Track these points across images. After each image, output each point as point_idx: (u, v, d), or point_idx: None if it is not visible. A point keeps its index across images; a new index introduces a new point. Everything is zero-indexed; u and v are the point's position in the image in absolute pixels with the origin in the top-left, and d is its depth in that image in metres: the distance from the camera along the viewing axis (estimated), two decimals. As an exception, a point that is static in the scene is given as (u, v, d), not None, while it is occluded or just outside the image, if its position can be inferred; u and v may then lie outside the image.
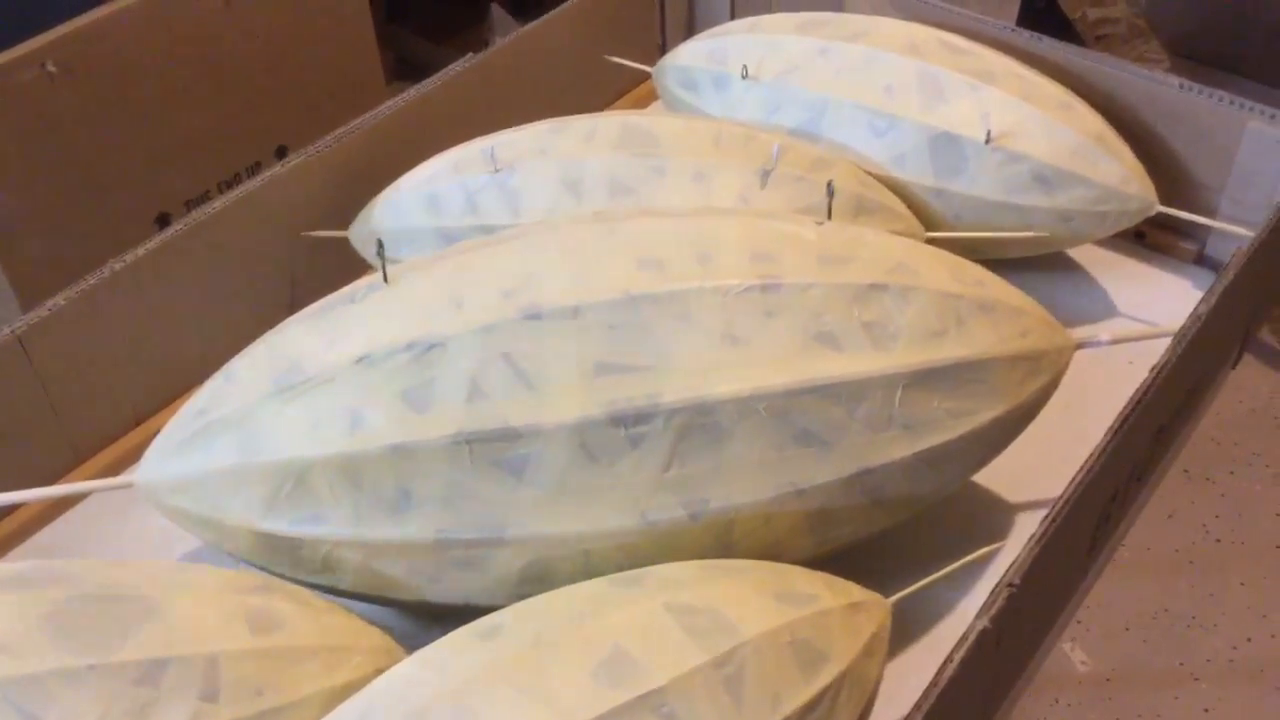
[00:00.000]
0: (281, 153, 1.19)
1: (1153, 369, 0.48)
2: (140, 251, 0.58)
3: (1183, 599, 1.03)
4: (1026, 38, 0.67)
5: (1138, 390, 0.48)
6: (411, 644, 0.43)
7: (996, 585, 0.41)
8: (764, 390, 0.42)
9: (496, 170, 0.56)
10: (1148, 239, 0.67)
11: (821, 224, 0.47)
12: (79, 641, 0.37)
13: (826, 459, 0.43)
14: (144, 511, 0.52)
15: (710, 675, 0.37)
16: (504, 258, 0.45)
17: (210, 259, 0.59)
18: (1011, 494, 0.54)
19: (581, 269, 0.43)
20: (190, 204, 1.13)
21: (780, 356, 0.43)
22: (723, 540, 0.43)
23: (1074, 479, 0.45)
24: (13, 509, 0.54)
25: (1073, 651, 1.02)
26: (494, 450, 0.41)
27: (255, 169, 1.17)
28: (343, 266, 0.61)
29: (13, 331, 0.52)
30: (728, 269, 0.44)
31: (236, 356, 0.46)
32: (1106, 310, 0.64)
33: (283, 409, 0.43)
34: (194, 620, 0.39)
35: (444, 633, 0.40)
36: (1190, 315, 0.51)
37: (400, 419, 0.42)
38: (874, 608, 0.42)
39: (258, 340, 0.46)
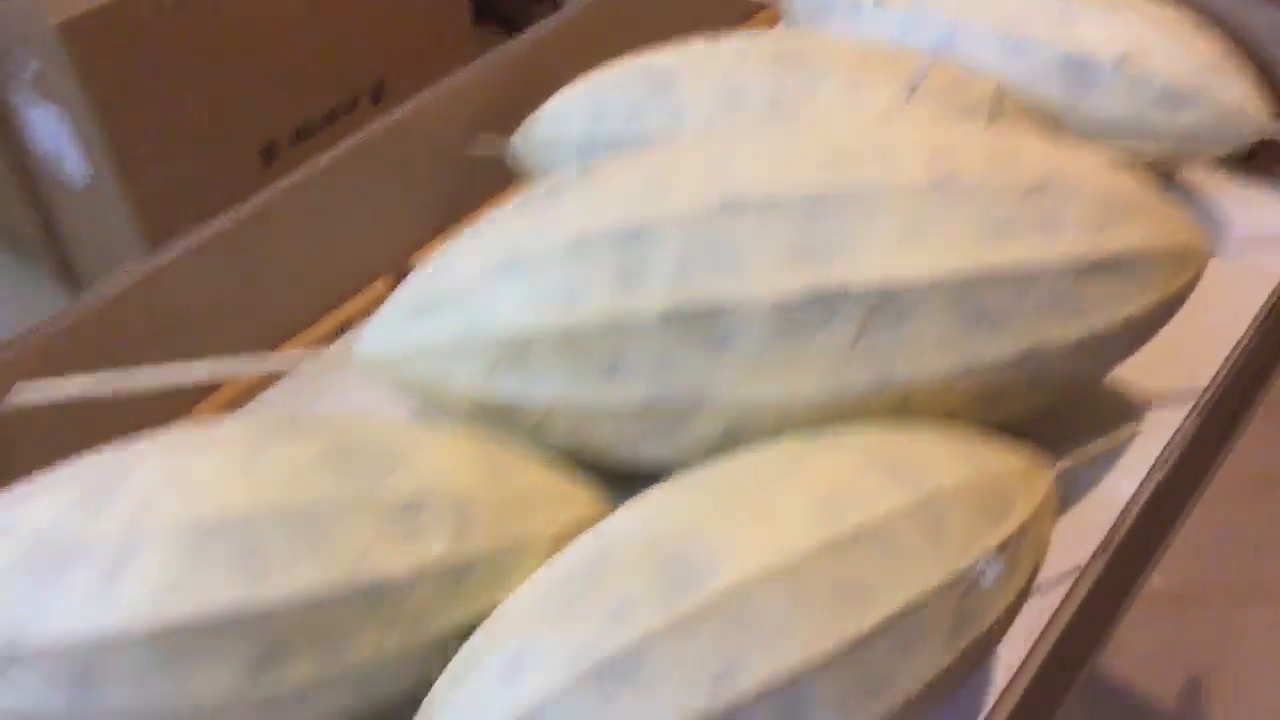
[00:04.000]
0: (377, 90, 1.23)
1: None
2: (321, 163, 0.62)
3: (1257, 521, 1.06)
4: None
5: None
6: (614, 498, 0.47)
7: (1165, 447, 0.45)
8: (944, 275, 0.46)
9: (658, 85, 0.60)
10: (1258, 161, 0.71)
11: (987, 128, 0.51)
12: (348, 479, 0.42)
13: (998, 339, 0.47)
14: (337, 390, 0.57)
15: (914, 515, 0.41)
16: (701, 153, 0.49)
17: (381, 168, 0.63)
18: (1143, 386, 0.58)
19: (777, 164, 0.47)
20: (295, 135, 1.17)
21: (959, 244, 0.47)
22: (902, 410, 0.47)
23: (1221, 367, 0.49)
24: (215, 389, 0.59)
25: (1147, 568, 1.06)
26: (699, 324, 0.46)
27: (353, 105, 1.21)
28: (504, 181, 0.65)
29: (222, 224, 0.57)
30: (909, 166, 0.48)
31: (451, 242, 0.50)
32: (1226, 228, 0.68)
33: (502, 286, 0.47)
34: (444, 463, 0.44)
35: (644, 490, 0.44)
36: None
37: (613, 295, 0.46)
38: (1044, 473, 0.47)
39: (470, 229, 0.50)
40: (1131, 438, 0.53)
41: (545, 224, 0.48)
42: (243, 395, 0.59)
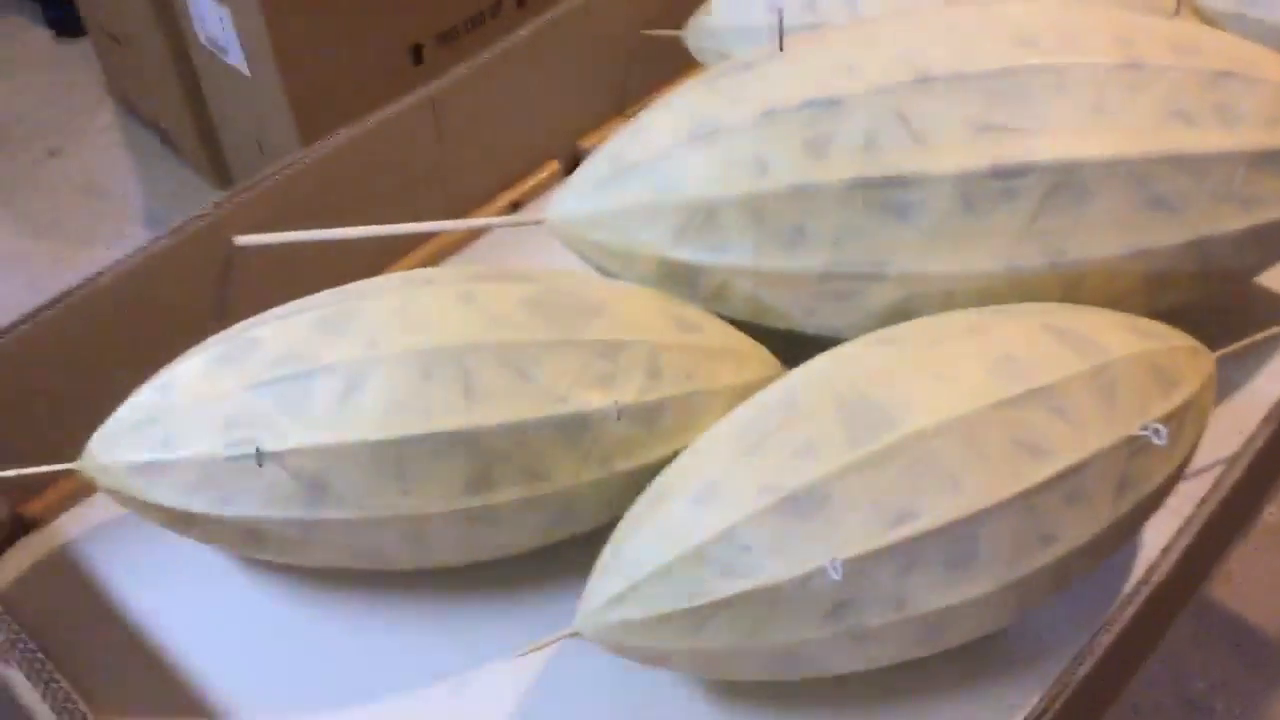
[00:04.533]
0: (521, -8, 1.25)
1: None
2: (498, 49, 0.64)
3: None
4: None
5: None
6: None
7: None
8: (1125, 156, 0.47)
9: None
10: None
11: (1172, 17, 0.52)
12: (554, 322, 0.45)
13: (1172, 224, 0.49)
14: (527, 252, 0.60)
15: (1088, 381, 0.43)
16: (890, 31, 0.50)
17: (557, 53, 0.66)
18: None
19: (964, 42, 0.49)
20: (441, 38, 1.20)
21: (1140, 127, 0.48)
22: (1071, 292, 0.49)
23: None
24: (411, 249, 0.62)
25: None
26: (883, 195, 0.48)
27: (497, 8, 1.24)
28: (679, 67, 0.67)
29: (426, 94, 0.60)
30: (1094, 48, 0.49)
31: (644, 112, 0.52)
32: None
33: (694, 154, 0.49)
34: (637, 315, 0.47)
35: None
36: None
37: (801, 164, 0.48)
38: (1207, 354, 0.48)
39: (660, 99, 0.53)
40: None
41: (736, 96, 0.50)
42: (438, 255, 0.62)
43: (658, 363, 0.46)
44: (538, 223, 0.54)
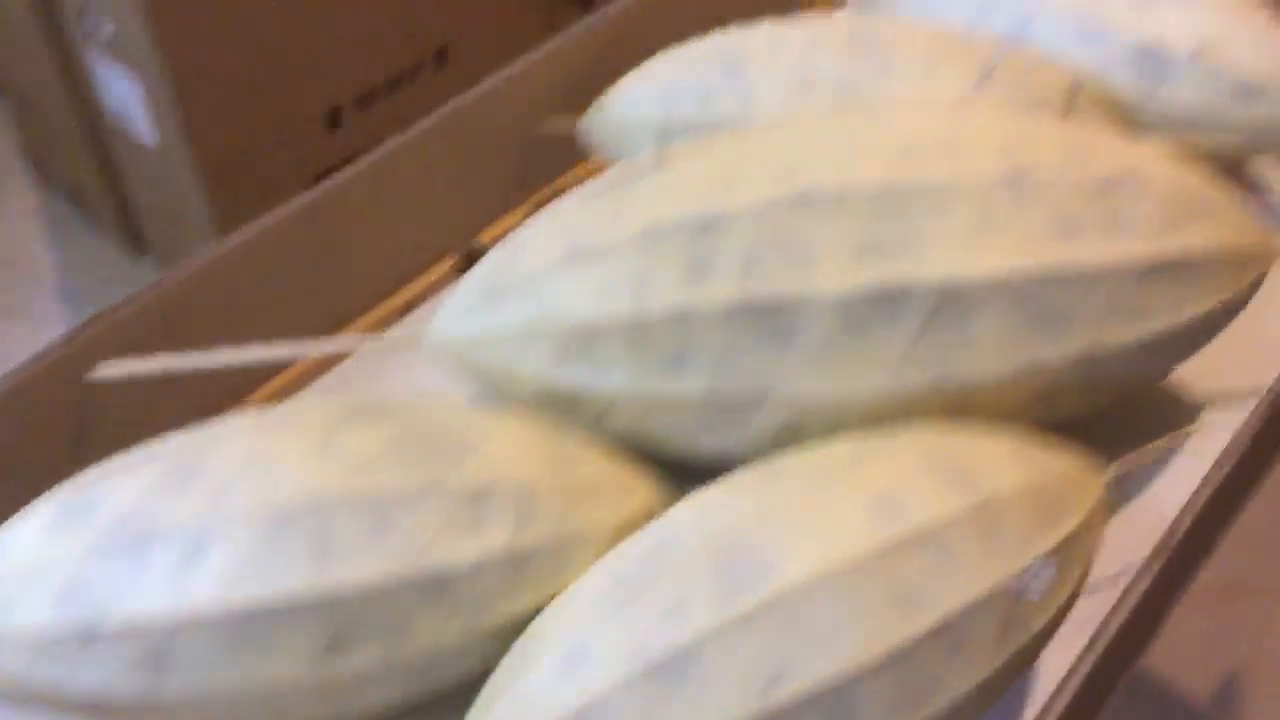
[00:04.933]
0: (442, 55, 1.23)
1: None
2: (394, 144, 0.62)
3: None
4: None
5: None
6: (673, 489, 0.48)
7: (1222, 452, 0.45)
8: (1009, 274, 0.46)
9: (729, 69, 0.60)
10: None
11: (1060, 121, 0.50)
12: (418, 466, 0.43)
13: (1061, 339, 0.47)
14: (403, 368, 0.58)
15: (970, 520, 0.41)
16: (774, 143, 0.49)
17: (452, 148, 0.64)
18: (1202, 387, 0.58)
19: (847, 156, 0.48)
20: (358, 101, 1.18)
21: (1026, 244, 0.46)
22: (960, 410, 0.48)
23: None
24: (284, 368, 0.60)
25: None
26: (764, 319, 0.46)
27: (416, 72, 1.22)
28: (574, 161, 0.66)
29: (306, 201, 0.58)
30: (980, 160, 0.47)
31: (522, 227, 0.51)
32: (1290, 219, 0.67)
33: (571, 275, 0.48)
34: (509, 452, 0.45)
35: (703, 483, 0.45)
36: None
37: (680, 287, 0.46)
38: (1097, 477, 0.47)
39: (540, 213, 0.51)
40: (1185, 440, 0.53)
41: (616, 213, 0.48)
42: (313, 371, 0.60)
43: (529, 505, 0.44)
44: (413, 344, 0.52)
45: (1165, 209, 0.48)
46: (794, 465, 0.44)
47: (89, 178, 1.32)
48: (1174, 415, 0.57)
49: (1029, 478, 0.43)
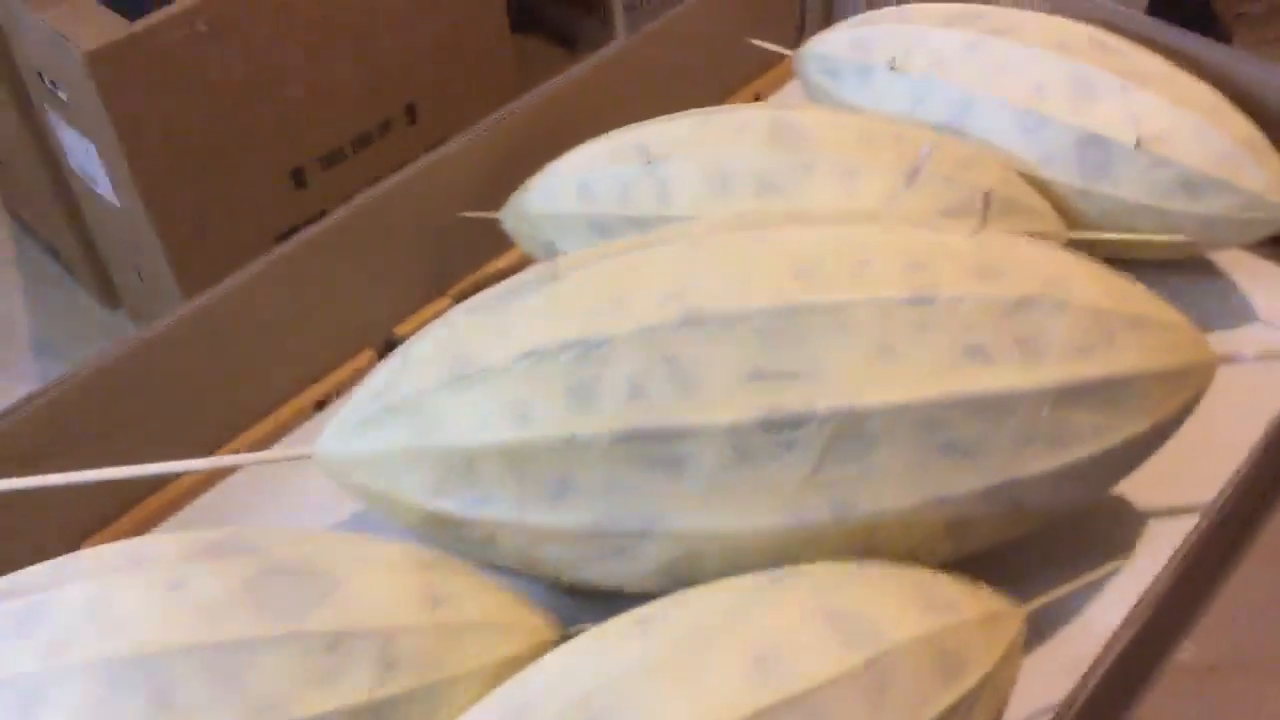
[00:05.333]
0: (410, 111, 1.22)
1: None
2: (306, 235, 0.60)
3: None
4: (1175, 34, 0.66)
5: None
6: (566, 615, 0.46)
7: (1139, 600, 0.42)
8: (913, 402, 0.43)
9: (648, 162, 0.57)
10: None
11: (974, 234, 0.48)
12: (275, 609, 0.40)
13: (971, 470, 0.44)
14: (302, 480, 0.56)
15: (856, 679, 0.38)
16: (664, 261, 0.47)
17: (368, 239, 0.62)
18: (1143, 503, 0.55)
19: (739, 276, 0.45)
20: (325, 160, 1.16)
21: (931, 369, 0.44)
22: (865, 543, 0.45)
23: (1215, 498, 0.46)
24: (176, 476, 0.58)
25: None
26: (652, 448, 0.43)
27: (385, 128, 1.20)
28: (495, 248, 0.64)
29: (180, 314, 0.56)
30: (882, 280, 0.45)
31: (411, 340, 0.48)
32: (1248, 316, 0.64)
33: (455, 397, 0.45)
34: (373, 594, 0.42)
35: (599, 608, 0.42)
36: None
37: (565, 414, 0.44)
38: (1011, 617, 0.44)
39: (430, 325, 0.49)
40: (1115, 571, 0.50)
41: (501, 331, 0.46)
42: (200, 484, 0.58)
43: (393, 650, 0.41)
44: (304, 457, 0.49)
45: (1084, 329, 0.46)
46: (673, 616, 0.41)
47: (62, 233, 1.30)
48: (1110, 533, 0.54)
49: (929, 626, 0.41)
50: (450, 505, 0.46)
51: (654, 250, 0.47)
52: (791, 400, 0.43)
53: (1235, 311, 0.64)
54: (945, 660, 0.40)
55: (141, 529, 0.57)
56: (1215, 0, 1.17)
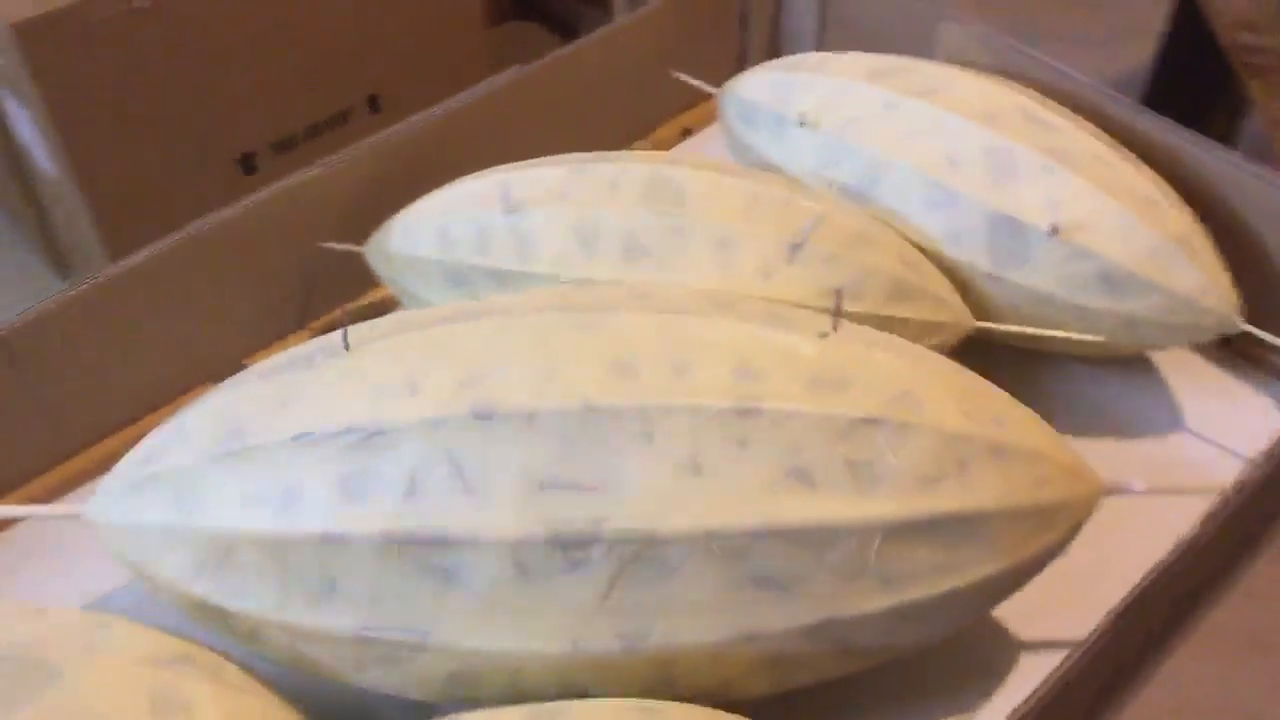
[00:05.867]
0: (374, 102, 1.17)
1: (1176, 545, 0.43)
2: (153, 251, 0.56)
3: (1248, 685, 0.96)
4: (1126, 108, 0.60)
5: (1163, 559, 0.43)
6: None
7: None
8: (722, 529, 0.38)
9: (510, 211, 0.52)
10: (1235, 345, 0.61)
11: (826, 335, 0.43)
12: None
13: (786, 606, 0.39)
14: (88, 536, 0.51)
15: None
16: (468, 341, 0.42)
17: (225, 262, 0.57)
18: (1020, 631, 0.50)
19: (545, 367, 0.40)
20: (276, 147, 1.12)
21: (746, 492, 0.39)
22: (663, 675, 0.40)
23: (1104, 619, 0.41)
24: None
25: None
26: (425, 554, 0.39)
27: (344, 117, 1.16)
28: (358, 279, 0.59)
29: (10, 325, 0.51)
30: (705, 385, 0.40)
31: (195, 402, 0.44)
32: (1173, 422, 0.58)
33: (219, 475, 0.41)
34: (96, 693, 0.38)
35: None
36: (1246, 464, 0.46)
37: (333, 506, 0.39)
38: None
39: (216, 388, 0.44)
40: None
41: (279, 405, 0.41)
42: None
43: (101, 765, 0.37)
44: (73, 516, 0.45)
45: (931, 456, 0.40)
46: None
47: (14, 197, 1.27)
48: (977, 662, 0.49)
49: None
50: (209, 593, 0.41)
51: (461, 326, 0.42)
52: (582, 515, 0.38)
53: (1162, 413, 0.59)
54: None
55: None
56: (1228, 47, 1.10)
